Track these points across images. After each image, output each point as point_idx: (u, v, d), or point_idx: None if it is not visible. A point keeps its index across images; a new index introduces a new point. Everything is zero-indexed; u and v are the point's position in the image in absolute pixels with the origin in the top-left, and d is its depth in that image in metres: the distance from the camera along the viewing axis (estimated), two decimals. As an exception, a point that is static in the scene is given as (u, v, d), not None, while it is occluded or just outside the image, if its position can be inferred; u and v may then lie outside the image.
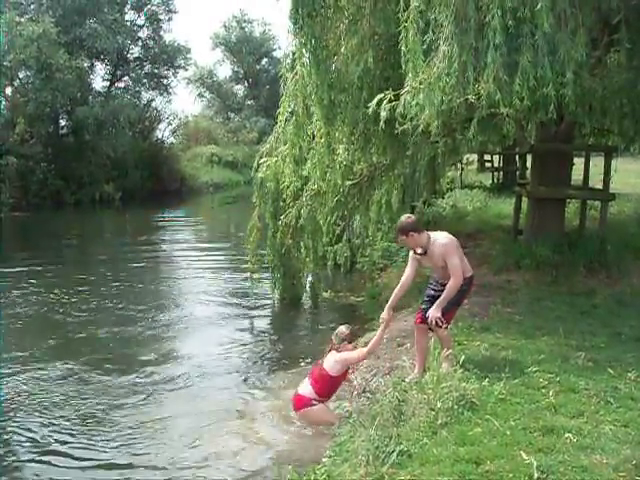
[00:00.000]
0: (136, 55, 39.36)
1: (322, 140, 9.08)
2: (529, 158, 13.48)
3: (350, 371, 6.78)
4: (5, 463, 5.92)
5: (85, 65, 32.94)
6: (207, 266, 15.65)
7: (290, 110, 9.29)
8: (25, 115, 28.67)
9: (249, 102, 61.50)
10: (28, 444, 6.28)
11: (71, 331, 10.00)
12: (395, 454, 4.21)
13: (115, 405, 7.16)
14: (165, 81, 41.11)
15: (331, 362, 6.36)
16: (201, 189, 39.87)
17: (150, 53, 39.35)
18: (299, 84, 8.74)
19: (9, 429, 6.56)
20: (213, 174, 42.66)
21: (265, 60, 62.33)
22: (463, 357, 5.58)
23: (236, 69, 62.51)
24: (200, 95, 60.77)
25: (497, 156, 22.95)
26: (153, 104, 40.90)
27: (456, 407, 4.73)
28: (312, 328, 10.33)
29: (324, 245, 11.10)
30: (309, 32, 7.88)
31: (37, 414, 6.92)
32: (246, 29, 61.16)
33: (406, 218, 6.04)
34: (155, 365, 8.44)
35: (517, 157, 20.19)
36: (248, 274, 11.59)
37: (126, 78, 39.23)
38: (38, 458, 6.02)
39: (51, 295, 12.12)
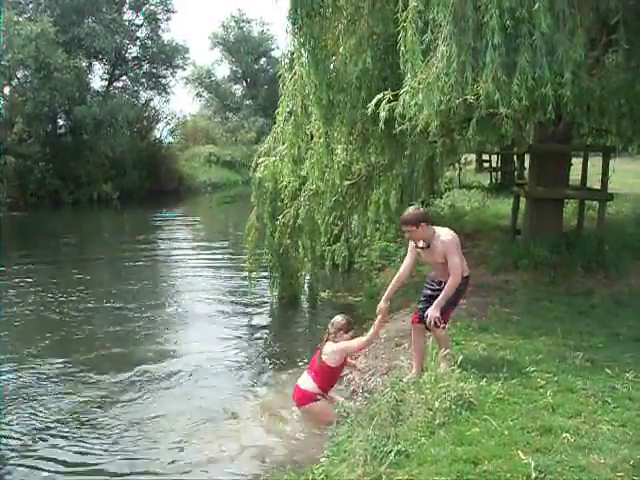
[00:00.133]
0: (134, 55, 39.38)
1: (321, 140, 9.08)
2: (527, 158, 13.47)
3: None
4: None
5: (83, 64, 32.96)
6: (205, 266, 15.64)
7: (288, 110, 9.28)
8: (23, 114, 28.63)
9: (247, 102, 61.51)
10: (21, 442, 6.27)
11: (68, 330, 9.99)
12: (393, 454, 4.21)
13: (110, 404, 7.14)
14: (163, 81, 41.15)
15: (330, 353, 6.34)
16: (199, 189, 39.87)
17: (148, 53, 39.35)
18: (298, 84, 8.73)
19: (2, 427, 6.54)
20: (211, 174, 42.68)
21: (263, 60, 62.37)
22: (461, 357, 5.57)
23: (234, 69, 62.57)
24: (198, 95, 60.90)
25: (495, 156, 22.96)
26: (151, 104, 40.98)
27: (454, 407, 4.73)
28: (310, 328, 10.32)
29: (322, 245, 11.10)
30: (308, 32, 7.88)
31: (31, 412, 6.91)
32: (244, 29, 61.20)
33: (416, 208, 5.95)
34: (152, 364, 8.42)
35: (515, 157, 20.20)
36: (246, 274, 11.58)
37: (124, 78, 39.26)
38: (30, 456, 6.01)
39: (49, 294, 12.12)
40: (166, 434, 6.39)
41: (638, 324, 7.19)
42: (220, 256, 17.21)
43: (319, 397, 6.30)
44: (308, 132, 9.34)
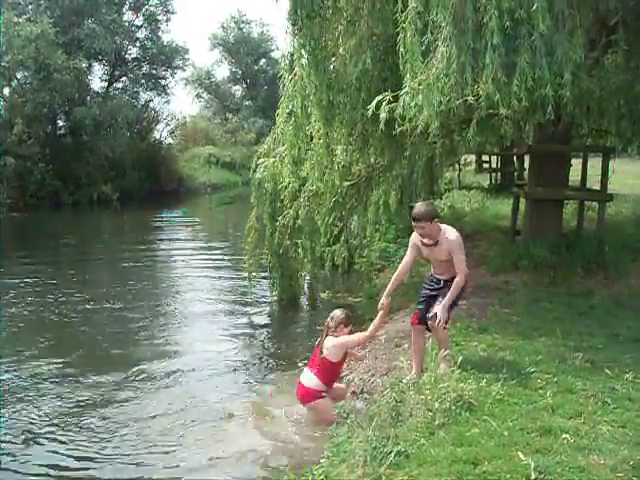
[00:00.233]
0: (134, 56, 39.42)
1: (321, 141, 9.08)
2: (527, 159, 13.48)
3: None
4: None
5: (83, 65, 32.94)
6: (205, 266, 15.64)
7: (288, 111, 9.28)
8: (23, 116, 28.65)
9: (247, 103, 61.55)
10: (18, 443, 6.27)
11: (67, 330, 10.00)
12: (393, 455, 4.21)
13: (108, 405, 7.15)
14: (163, 82, 41.20)
15: (330, 348, 6.32)
16: (199, 190, 39.89)
17: (148, 54, 39.38)
18: (298, 85, 8.73)
19: (4, 433, 6.52)
20: (211, 175, 42.71)
21: (263, 61, 62.41)
22: (461, 358, 5.57)
23: (234, 70, 62.61)
24: (198, 96, 60.94)
25: (495, 157, 22.97)
26: (151, 105, 41.04)
27: (454, 408, 4.73)
28: (310, 329, 10.31)
29: (322, 246, 11.10)
30: (308, 33, 7.87)
31: (29, 412, 6.92)
32: (244, 30, 61.28)
33: (427, 204, 5.89)
34: (150, 365, 8.42)
35: (515, 158, 20.20)
36: (246, 274, 11.58)
37: (124, 79, 39.27)
38: (28, 457, 6.01)
39: (48, 295, 12.12)
40: (165, 435, 6.39)
41: (638, 325, 7.19)
42: (220, 257, 17.22)
43: (323, 394, 6.29)
44: (308, 133, 9.34)
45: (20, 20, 29.06)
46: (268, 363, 8.71)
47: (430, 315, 5.68)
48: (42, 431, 6.52)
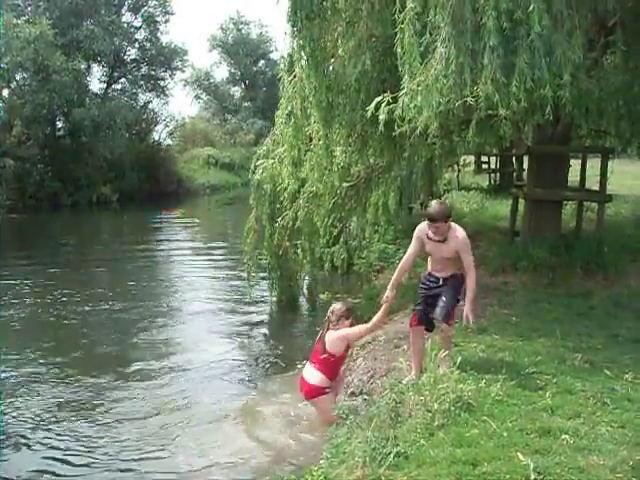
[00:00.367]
0: (133, 57, 39.44)
1: (320, 142, 9.07)
2: (526, 160, 13.48)
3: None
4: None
5: (82, 67, 32.90)
6: (204, 267, 15.65)
7: (287, 112, 9.28)
8: (22, 117, 28.66)
9: (246, 104, 61.49)
10: (19, 442, 6.28)
11: (66, 332, 10.00)
12: (392, 455, 4.21)
13: (107, 407, 7.16)
14: (162, 83, 41.23)
15: (333, 340, 6.31)
16: (198, 191, 39.89)
17: (147, 55, 39.41)
18: (297, 86, 8.74)
19: (4, 434, 6.51)
20: (210, 176, 42.70)
21: (262, 62, 62.36)
22: (460, 359, 5.57)
23: (233, 71, 62.55)
24: (197, 97, 60.88)
25: (494, 158, 22.95)
26: (150, 106, 41.09)
27: (453, 409, 4.73)
28: (309, 330, 10.31)
29: (321, 247, 11.11)
30: (307, 34, 7.87)
31: (28, 414, 6.93)
32: (243, 31, 61.22)
33: (441, 203, 5.86)
34: (149, 366, 8.43)
35: (514, 159, 20.16)
36: (245, 275, 11.58)
37: (123, 80, 39.29)
38: (30, 460, 6.02)
39: (47, 296, 12.12)
40: (163, 437, 6.39)
41: (637, 325, 7.19)
42: (219, 258, 17.22)
43: (327, 390, 6.28)
44: (307, 134, 9.35)
45: (19, 21, 29.08)
46: (267, 364, 8.72)
47: (437, 316, 5.68)
48: (39, 432, 6.54)
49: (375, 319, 6.28)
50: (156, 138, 41.24)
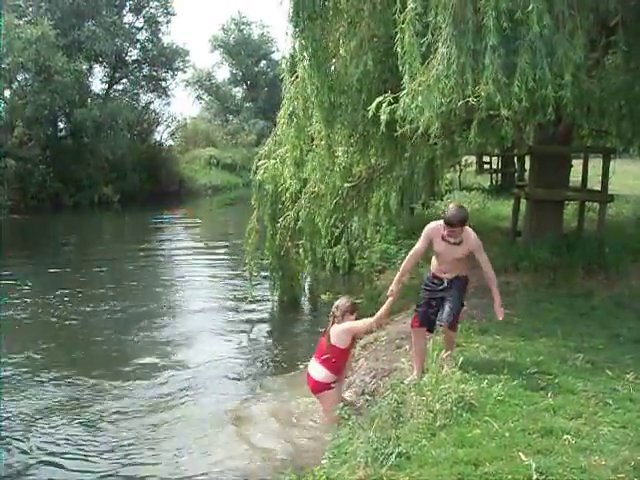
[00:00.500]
0: (134, 57, 39.48)
1: (322, 142, 9.08)
2: (527, 160, 13.48)
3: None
4: None
5: (83, 67, 32.97)
6: (206, 268, 15.66)
7: (289, 113, 9.28)
8: (23, 118, 28.68)
9: (247, 104, 61.53)
10: (22, 449, 6.26)
11: (68, 334, 9.99)
12: (394, 456, 4.21)
13: (110, 410, 7.14)
14: (163, 83, 41.26)
15: (338, 333, 6.29)
16: (199, 191, 39.92)
17: (149, 55, 39.44)
18: (300, 86, 8.74)
19: (3, 435, 6.52)
20: (211, 176, 42.74)
21: (263, 62, 62.39)
22: (462, 359, 5.57)
23: (234, 71, 62.59)
24: (198, 97, 60.95)
25: (495, 158, 22.96)
26: (151, 106, 41.15)
27: (455, 409, 4.73)
28: (311, 330, 10.32)
29: (323, 247, 11.09)
30: (309, 35, 7.88)
31: (28, 415, 6.93)
32: (244, 31, 61.26)
33: (459, 207, 5.81)
34: (151, 368, 8.43)
35: (515, 159, 20.21)
36: (247, 276, 11.59)
37: (124, 80, 39.31)
38: (31, 465, 5.99)
39: (49, 297, 12.13)
40: (165, 437, 6.39)
41: (638, 325, 7.17)
42: (221, 258, 17.24)
43: (332, 386, 6.28)
44: (309, 135, 9.35)
45: (21, 22, 29.10)
46: (268, 364, 8.72)
47: (443, 321, 5.69)
48: (38, 431, 6.55)
49: (379, 313, 6.26)
50: (158, 139, 41.38)
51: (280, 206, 10.52)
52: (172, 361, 8.75)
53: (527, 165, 13.99)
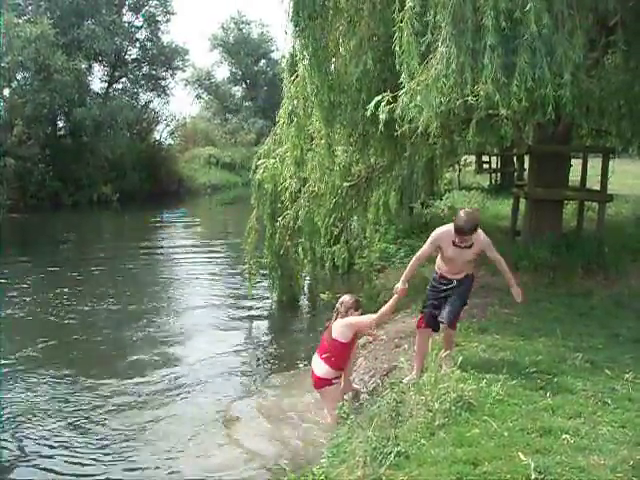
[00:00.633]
0: (134, 56, 39.42)
1: (322, 142, 9.08)
2: (527, 159, 13.48)
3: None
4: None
5: (83, 66, 32.90)
6: (205, 267, 15.65)
7: (289, 112, 9.28)
8: (23, 116, 28.64)
9: (247, 103, 61.50)
10: (18, 447, 6.25)
11: (66, 333, 9.97)
12: (393, 455, 4.21)
13: (108, 409, 7.12)
14: (163, 82, 41.22)
15: (341, 328, 6.28)
16: (199, 190, 39.89)
17: (148, 54, 39.41)
18: (299, 86, 8.74)
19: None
20: (211, 175, 42.73)
21: (263, 61, 62.36)
22: (461, 358, 5.58)
23: (234, 70, 62.54)
24: (198, 96, 60.85)
25: (495, 157, 22.98)
26: (151, 105, 41.04)
27: (454, 408, 4.73)
28: (310, 329, 10.32)
29: (322, 246, 11.09)
30: (310, 34, 7.88)
31: (28, 415, 6.91)
32: (244, 30, 61.23)
33: (470, 213, 5.77)
34: (150, 368, 8.42)
35: (515, 158, 20.22)
36: (246, 275, 11.58)
37: (124, 79, 39.26)
38: (27, 462, 5.99)
39: (48, 296, 12.12)
40: (165, 438, 6.38)
41: (638, 325, 7.19)
42: (220, 257, 17.23)
43: (334, 381, 6.27)
44: (309, 134, 9.35)
45: (20, 21, 29.06)
46: (268, 364, 8.72)
47: (443, 319, 5.73)
48: (42, 436, 6.49)
49: (383, 309, 6.26)
50: (157, 138, 41.24)
51: (279, 205, 10.51)
52: (170, 359, 8.75)
53: (526, 164, 13.98)
